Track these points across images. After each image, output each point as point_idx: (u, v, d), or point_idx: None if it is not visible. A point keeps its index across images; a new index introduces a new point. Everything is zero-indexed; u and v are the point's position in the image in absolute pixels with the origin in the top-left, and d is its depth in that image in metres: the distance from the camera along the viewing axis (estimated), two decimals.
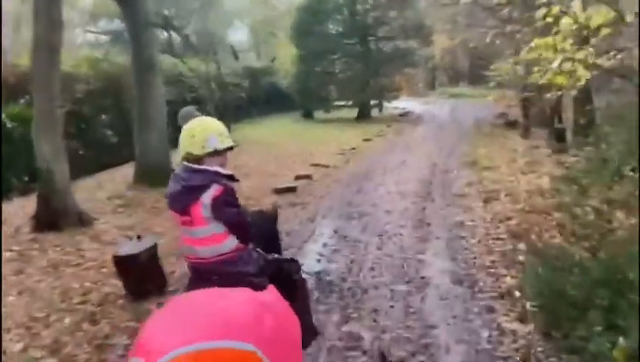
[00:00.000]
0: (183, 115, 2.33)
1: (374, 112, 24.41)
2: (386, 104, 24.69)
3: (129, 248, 4.25)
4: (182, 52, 22.81)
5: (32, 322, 3.93)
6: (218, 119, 2.49)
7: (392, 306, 4.14)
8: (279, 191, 8.27)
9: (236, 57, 30.70)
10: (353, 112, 23.57)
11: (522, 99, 13.82)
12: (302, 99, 22.69)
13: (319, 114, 24.19)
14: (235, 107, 22.61)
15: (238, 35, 37.99)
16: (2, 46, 11.80)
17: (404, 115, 23.22)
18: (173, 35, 23.02)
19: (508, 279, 4.45)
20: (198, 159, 2.26)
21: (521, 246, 5.11)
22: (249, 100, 23.51)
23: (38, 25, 5.88)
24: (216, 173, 2.27)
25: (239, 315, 1.86)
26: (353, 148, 13.67)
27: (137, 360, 1.73)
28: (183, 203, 2.27)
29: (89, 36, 29.59)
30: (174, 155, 11.53)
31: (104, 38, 26.94)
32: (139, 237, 4.49)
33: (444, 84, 42.33)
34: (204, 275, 2.28)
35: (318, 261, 5.29)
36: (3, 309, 4.02)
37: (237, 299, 1.96)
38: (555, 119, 11.77)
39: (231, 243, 2.31)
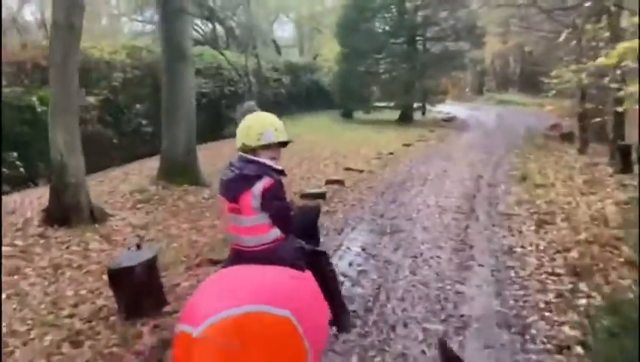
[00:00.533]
0: (243, 110, 2.59)
1: (417, 116, 23.49)
2: (429, 107, 23.71)
3: (125, 259, 3.74)
4: (225, 45, 22.59)
5: (10, 337, 3.47)
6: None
7: (423, 352, 3.47)
8: (307, 196, 7.66)
9: (279, 52, 30.45)
10: (395, 114, 22.73)
11: (582, 110, 12.69)
12: (342, 98, 22.02)
13: (359, 114, 23.49)
14: (274, 102, 22.23)
15: (284, 31, 37.77)
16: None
17: (449, 120, 22.18)
18: (218, 27, 22.77)
19: (566, 329, 3.68)
20: (253, 151, 2.39)
21: (583, 286, 4.31)
22: (289, 96, 23.09)
23: (58, 4, 5.50)
24: (268, 166, 2.39)
25: (279, 286, 2.12)
26: (391, 153, 12.92)
27: (183, 326, 1.95)
28: (234, 191, 2.38)
29: (136, 25, 29.92)
30: (205, 151, 11.15)
31: (150, 27, 27.11)
32: (138, 246, 3.97)
33: (492, 90, 40.62)
34: (245, 261, 2.38)
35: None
36: None
37: (277, 273, 2.23)
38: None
39: (274, 233, 2.42)
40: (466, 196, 8.23)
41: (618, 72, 8.64)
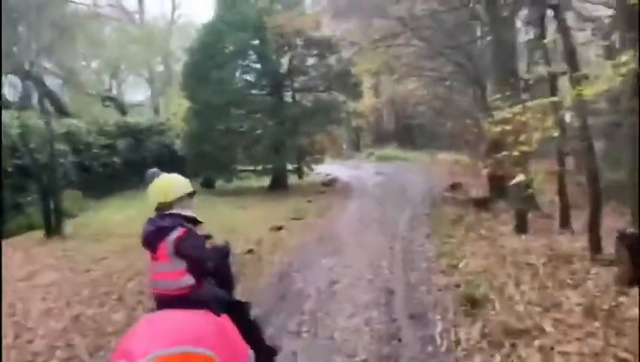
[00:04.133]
0: (149, 175, 2.97)
1: (292, 179, 19.59)
2: (306, 169, 19.90)
3: None
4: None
5: None
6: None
7: None
8: None
9: (123, 112, 25.12)
10: (266, 180, 18.58)
11: (496, 166, 9.52)
12: (196, 165, 17.36)
13: (223, 182, 18.94)
14: (106, 176, 16.84)
15: (132, 91, 32.61)
16: None
17: (329, 184, 18.51)
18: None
19: None
20: (170, 205, 2.87)
21: None
22: (126, 166, 17.83)
23: None
24: (182, 217, 2.86)
25: (202, 328, 2.51)
26: (251, 251, 8.42)
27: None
28: (152, 241, 2.80)
29: None
30: None
31: None
32: None
33: (369, 146, 38.73)
34: (165, 304, 2.71)
35: None
36: None
37: (200, 317, 2.60)
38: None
39: (188, 280, 2.76)
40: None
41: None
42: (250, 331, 2.90)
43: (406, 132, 37.19)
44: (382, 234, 9.59)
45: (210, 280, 2.93)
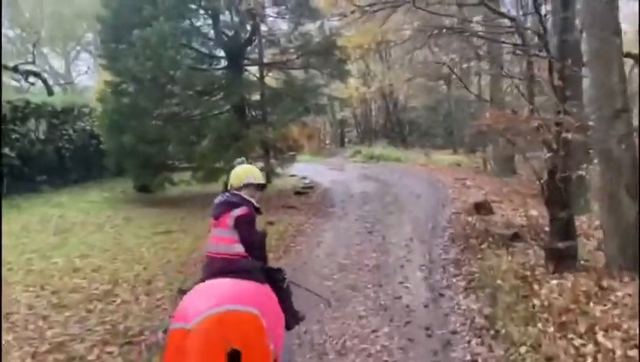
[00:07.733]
0: (236, 162, 3.59)
1: None
2: (279, 170, 15.14)
3: None
4: None
5: None
6: None
7: None
8: None
9: (50, 92, 20.13)
10: (218, 185, 13.84)
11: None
12: (119, 161, 12.58)
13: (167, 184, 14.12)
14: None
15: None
16: None
17: (304, 193, 13.88)
18: None
19: None
20: (239, 189, 3.39)
21: None
22: (25, 161, 12.97)
23: None
24: (248, 201, 3.32)
25: (247, 291, 2.89)
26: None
27: (177, 324, 2.64)
28: (219, 211, 3.27)
29: None
30: None
31: None
32: None
33: (355, 142, 34.03)
34: (214, 270, 3.09)
35: None
36: None
37: (245, 283, 2.97)
38: None
39: (238, 248, 3.18)
40: None
41: None
42: (282, 296, 3.27)
43: (397, 127, 32.78)
44: (383, 312, 5.07)
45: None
